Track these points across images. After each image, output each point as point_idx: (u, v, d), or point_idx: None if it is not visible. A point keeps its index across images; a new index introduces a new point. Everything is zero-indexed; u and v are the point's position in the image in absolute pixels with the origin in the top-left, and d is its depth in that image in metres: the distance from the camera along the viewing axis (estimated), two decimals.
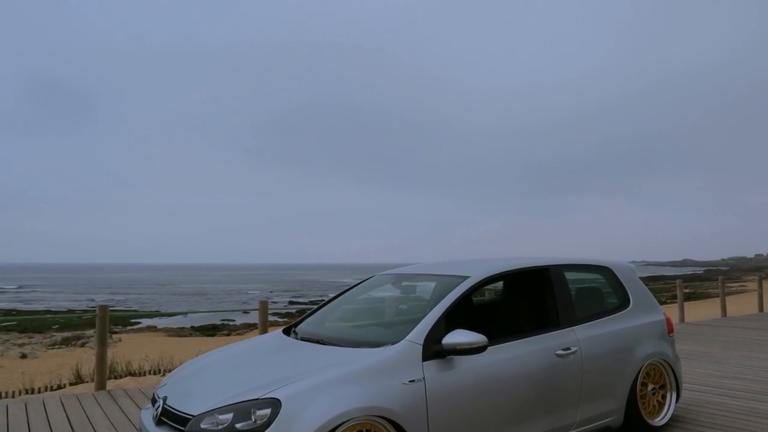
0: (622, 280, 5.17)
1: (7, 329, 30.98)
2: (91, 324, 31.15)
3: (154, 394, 4.04)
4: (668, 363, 5.08)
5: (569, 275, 4.83)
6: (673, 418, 5.22)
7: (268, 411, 3.27)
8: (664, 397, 5.09)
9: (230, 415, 3.30)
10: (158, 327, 37.86)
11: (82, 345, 23.11)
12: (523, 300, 5.07)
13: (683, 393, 5.99)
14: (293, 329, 4.73)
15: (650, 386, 4.97)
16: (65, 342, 24.31)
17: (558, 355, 4.32)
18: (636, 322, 4.98)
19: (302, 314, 4.83)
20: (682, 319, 13.40)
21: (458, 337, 3.76)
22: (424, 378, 3.66)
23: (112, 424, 5.43)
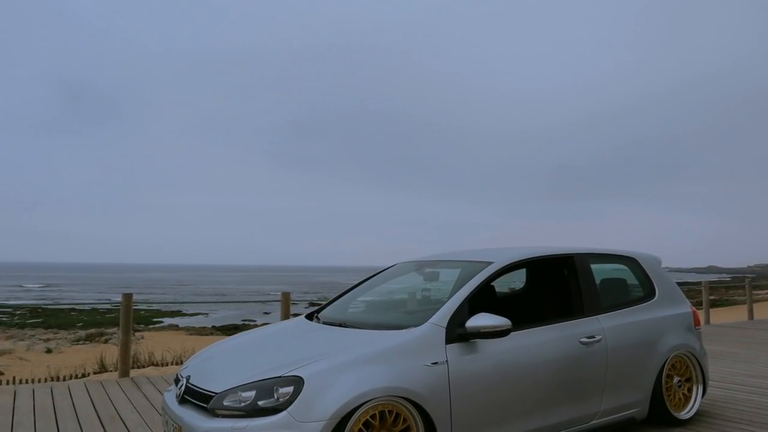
0: (647, 271, 5.10)
1: (33, 326, 31.54)
2: (114, 322, 31.56)
3: (177, 374, 4.08)
4: (695, 356, 5.00)
5: (594, 264, 4.78)
6: (699, 413, 5.13)
7: (290, 389, 3.27)
8: (690, 390, 5.01)
9: (253, 393, 3.32)
10: (180, 326, 38.21)
11: (105, 341, 23.37)
12: (547, 287, 5.02)
13: (709, 390, 5.90)
14: (315, 315, 4.74)
15: (676, 379, 4.89)
16: (89, 338, 24.60)
17: (582, 343, 4.27)
18: (662, 313, 4.91)
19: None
20: (707, 321, 13.19)
21: (482, 320, 3.74)
22: (447, 361, 3.64)
23: (134, 407, 5.49)
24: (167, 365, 8.34)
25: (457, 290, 4.00)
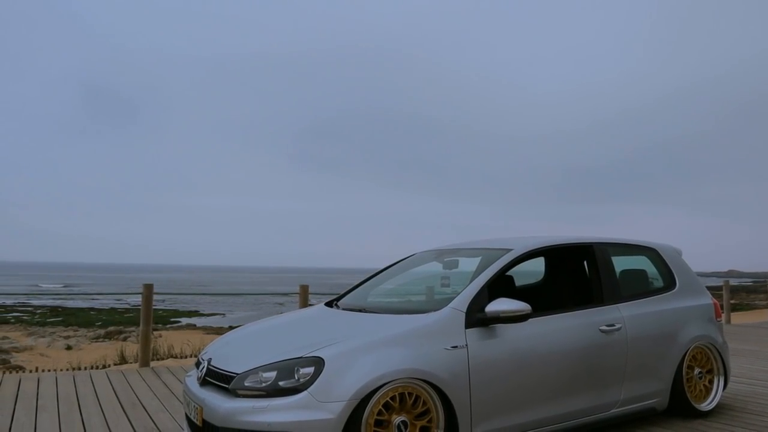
0: (668, 262, 5.07)
1: (53, 324, 31.90)
2: (133, 322, 31.83)
3: (198, 358, 4.12)
4: (716, 347, 4.95)
5: (614, 254, 4.76)
6: (720, 405, 5.07)
7: (311, 369, 3.30)
8: (711, 382, 4.96)
9: (274, 373, 3.34)
10: (197, 325, 38.45)
11: (125, 339, 23.58)
12: (566, 275, 5.01)
13: (731, 384, 5.83)
14: (335, 303, 4.77)
15: (697, 370, 4.85)
16: (108, 336, 24.85)
17: (602, 331, 4.25)
18: (682, 303, 4.87)
19: None
20: (728, 321, 13.04)
21: (501, 305, 3.74)
22: (466, 345, 3.65)
23: (155, 394, 5.55)
24: (186, 357, 8.42)
25: (477, 276, 4.00)
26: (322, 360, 3.32)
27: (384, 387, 3.35)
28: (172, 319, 42.89)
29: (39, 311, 44.49)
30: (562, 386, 4.01)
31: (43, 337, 24.27)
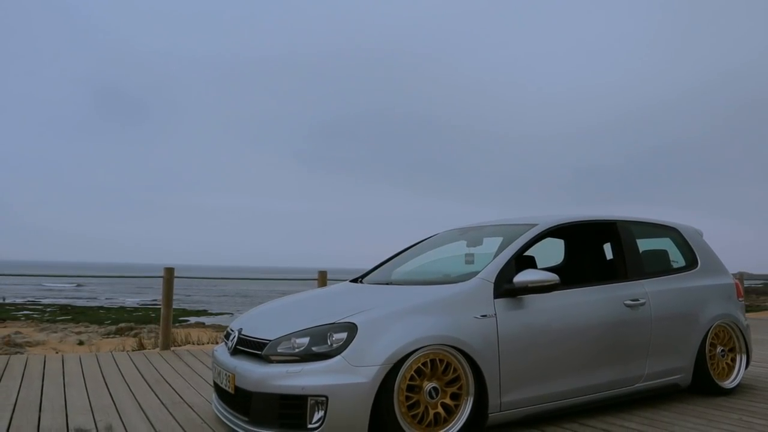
0: (689, 241, 5.10)
1: (63, 321, 32.07)
2: (143, 321, 31.96)
3: (227, 329, 4.17)
4: (738, 326, 4.97)
5: (637, 233, 4.79)
6: (742, 385, 5.09)
7: (344, 335, 3.34)
8: (733, 360, 4.98)
9: (307, 339, 3.39)
10: (206, 324, 38.55)
11: (135, 335, 23.69)
12: (591, 251, 5.05)
13: (752, 367, 5.85)
14: (360, 279, 4.82)
15: (719, 348, 4.87)
16: (119, 332, 24.97)
17: (627, 305, 4.29)
18: (705, 282, 4.90)
19: None
20: None
21: (529, 275, 3.79)
22: (495, 314, 3.69)
23: (179, 374, 5.62)
24: (204, 344, 8.49)
25: (504, 249, 4.05)
26: (355, 326, 3.37)
27: (416, 353, 3.39)
28: (181, 318, 42.99)
29: (49, 309, 44.72)
30: (588, 359, 4.05)
31: (55, 332, 24.45)
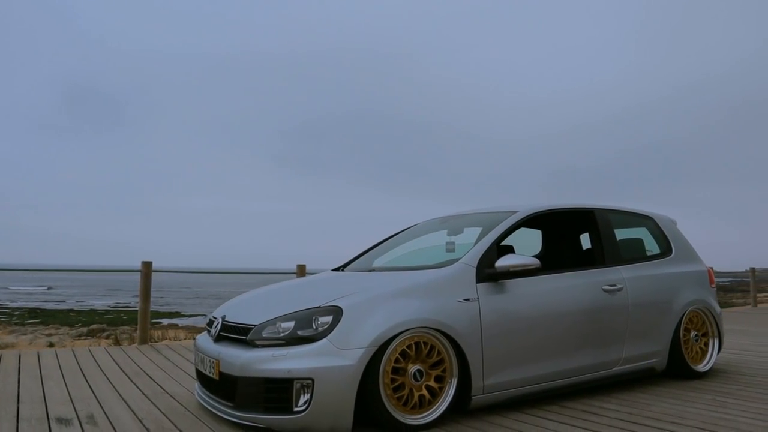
0: (664, 230, 5.22)
1: (33, 324, 31.44)
2: (114, 323, 31.49)
3: (209, 317, 4.16)
4: (711, 311, 5.10)
5: (613, 221, 4.88)
6: (715, 369, 5.24)
7: (329, 318, 3.36)
8: (706, 344, 5.11)
9: (292, 323, 3.41)
10: (180, 325, 38.13)
11: (108, 336, 23.35)
12: (570, 237, 5.14)
13: (723, 354, 6.01)
14: (342, 268, 4.83)
15: (693, 333, 4.99)
16: (91, 333, 24.58)
17: (605, 290, 4.38)
18: (679, 269, 5.02)
19: None
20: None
21: (511, 259, 3.85)
22: (478, 298, 3.74)
23: (158, 366, 5.57)
24: (181, 340, 8.41)
25: (486, 234, 4.11)
26: (341, 309, 3.39)
27: (401, 335, 3.43)
28: (153, 320, 42.45)
29: (17, 313, 43.81)
30: (568, 342, 4.13)
31: (25, 335, 23.94)
